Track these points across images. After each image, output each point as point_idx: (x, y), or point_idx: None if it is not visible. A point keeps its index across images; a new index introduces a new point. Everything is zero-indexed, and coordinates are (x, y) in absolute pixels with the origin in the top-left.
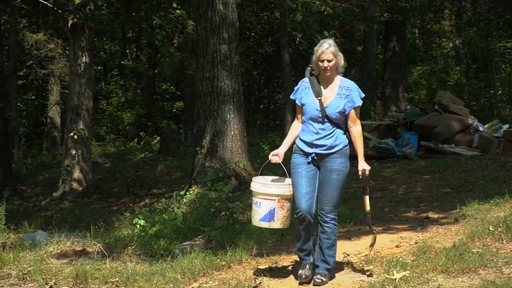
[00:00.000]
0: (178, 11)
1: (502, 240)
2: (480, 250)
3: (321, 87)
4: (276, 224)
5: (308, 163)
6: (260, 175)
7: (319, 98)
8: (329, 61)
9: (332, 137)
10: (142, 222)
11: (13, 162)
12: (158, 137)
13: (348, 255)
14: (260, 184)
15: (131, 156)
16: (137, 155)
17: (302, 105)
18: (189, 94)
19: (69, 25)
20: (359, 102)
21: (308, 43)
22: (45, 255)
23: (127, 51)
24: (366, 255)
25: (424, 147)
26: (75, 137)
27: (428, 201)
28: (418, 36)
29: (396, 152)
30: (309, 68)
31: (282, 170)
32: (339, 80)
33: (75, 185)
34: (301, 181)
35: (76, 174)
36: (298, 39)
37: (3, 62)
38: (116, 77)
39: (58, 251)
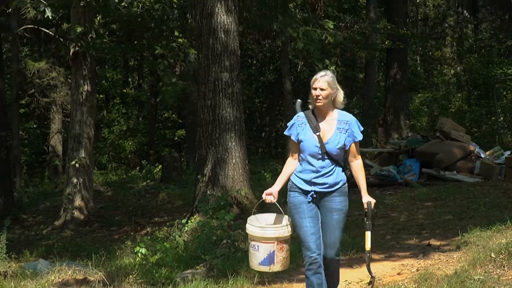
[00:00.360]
0: (180, 39)
1: (504, 267)
2: (481, 277)
3: (318, 121)
4: (276, 266)
5: (309, 202)
6: (253, 214)
7: (317, 133)
8: (322, 89)
9: (332, 174)
10: (143, 250)
11: (15, 191)
12: (160, 165)
13: (350, 283)
14: (258, 227)
15: (133, 185)
16: (139, 184)
17: (299, 141)
18: (191, 122)
19: (70, 54)
20: (360, 136)
21: (309, 71)
22: (46, 284)
23: (129, 79)
24: (368, 282)
25: (425, 174)
26: (77, 165)
27: (430, 228)
28: (420, 63)
29: (398, 179)
30: (299, 101)
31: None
32: (336, 113)
33: (76, 213)
34: (305, 222)
35: (78, 202)
36: (299, 67)
37: (5, 90)
38: (118, 105)
39: (60, 280)
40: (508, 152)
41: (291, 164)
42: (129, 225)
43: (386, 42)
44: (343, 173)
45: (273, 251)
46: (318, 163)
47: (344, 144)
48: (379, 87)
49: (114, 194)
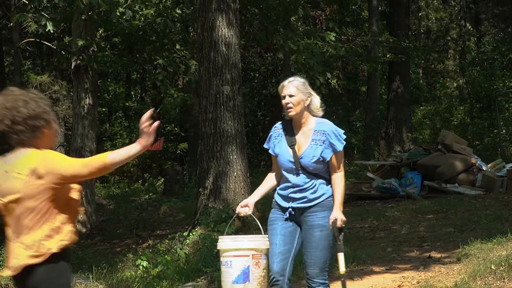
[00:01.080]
0: (181, 52)
1: (504, 278)
2: None
3: (295, 133)
4: (253, 285)
5: (286, 219)
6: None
7: (292, 147)
8: (291, 96)
9: (311, 188)
10: (145, 263)
11: None
12: (162, 179)
13: None
14: (229, 239)
15: (135, 198)
16: (141, 197)
17: (276, 155)
18: (193, 135)
19: (72, 67)
20: (340, 147)
21: (310, 84)
22: None
23: (132, 92)
24: None
25: (427, 186)
26: None
27: (431, 241)
28: (422, 76)
29: (400, 192)
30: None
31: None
32: (314, 122)
33: (78, 226)
34: (274, 239)
35: (80, 215)
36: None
37: None
38: (121, 118)
39: None
40: (510, 165)
41: (271, 178)
42: (131, 238)
43: (388, 55)
44: (328, 186)
45: (248, 266)
46: (294, 179)
47: (322, 157)
48: (381, 100)
49: (116, 207)
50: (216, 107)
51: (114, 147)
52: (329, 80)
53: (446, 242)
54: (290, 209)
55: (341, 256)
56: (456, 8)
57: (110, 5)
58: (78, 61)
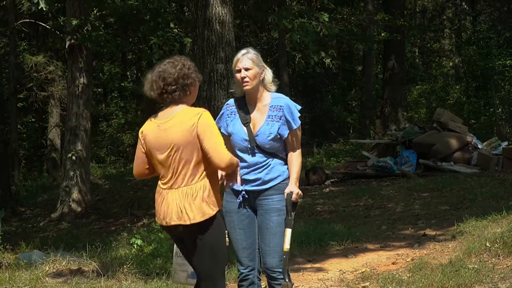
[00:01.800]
0: (175, 30)
1: (499, 256)
2: (476, 266)
3: (249, 109)
4: None
5: (239, 206)
6: None
7: (247, 124)
8: (246, 69)
9: (266, 168)
10: (139, 241)
11: (13, 184)
12: None
13: (344, 272)
14: None
15: (131, 178)
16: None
17: (229, 134)
18: None
19: (66, 47)
20: (296, 124)
21: (304, 63)
22: (40, 274)
23: (128, 73)
24: (363, 272)
25: (422, 165)
26: (73, 158)
27: (426, 219)
28: (418, 55)
29: (395, 170)
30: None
31: None
32: (269, 98)
33: (73, 206)
34: (235, 235)
35: (75, 195)
36: (297, 59)
37: (3, 84)
38: (116, 99)
39: (54, 270)
40: (506, 143)
41: None
42: (126, 217)
43: (383, 34)
44: (285, 166)
45: None
46: (249, 159)
47: (279, 134)
48: (377, 79)
49: (111, 187)
50: (210, 86)
51: (109, 127)
52: (323, 59)
53: (441, 220)
54: (243, 192)
55: (288, 232)
56: None
57: None
58: (73, 41)
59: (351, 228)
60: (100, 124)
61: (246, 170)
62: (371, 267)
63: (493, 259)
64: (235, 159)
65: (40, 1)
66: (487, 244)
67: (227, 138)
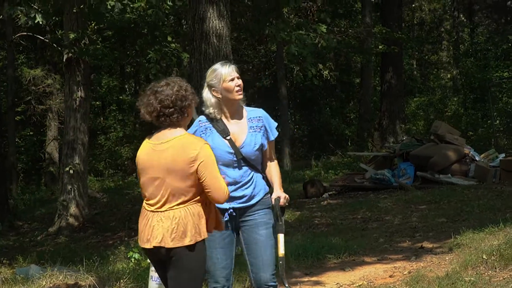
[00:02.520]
0: (172, 44)
1: (495, 268)
2: (472, 279)
3: (225, 123)
4: None
5: (224, 225)
6: None
7: (228, 138)
8: (238, 78)
9: (251, 184)
10: (136, 255)
11: (11, 198)
12: None
13: (341, 285)
14: None
15: (129, 191)
16: (135, 190)
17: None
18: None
19: (64, 60)
20: (275, 134)
21: (302, 75)
22: None
23: (126, 86)
24: (360, 285)
25: (420, 177)
26: (71, 171)
27: (424, 231)
28: (416, 68)
29: (393, 183)
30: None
31: None
32: (244, 110)
33: (71, 220)
34: (215, 253)
35: (72, 209)
36: (295, 72)
37: (1, 98)
38: (115, 112)
39: (51, 285)
40: (503, 155)
41: None
42: (124, 231)
43: (380, 47)
44: (263, 181)
45: None
46: (235, 173)
47: (262, 145)
48: (375, 91)
49: (109, 200)
50: None
51: (108, 140)
52: (321, 72)
53: (438, 232)
54: (230, 210)
55: (281, 237)
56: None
57: None
58: (70, 54)
59: (349, 241)
60: (98, 137)
61: (232, 187)
62: (368, 280)
63: (490, 272)
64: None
65: (36, 16)
66: (484, 257)
67: None
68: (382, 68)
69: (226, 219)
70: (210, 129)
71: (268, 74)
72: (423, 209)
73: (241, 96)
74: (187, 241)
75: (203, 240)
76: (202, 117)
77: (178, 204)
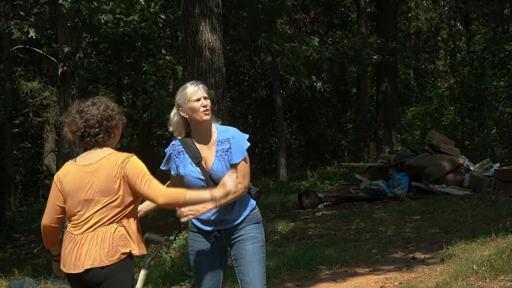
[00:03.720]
0: (167, 57)
1: (486, 279)
2: None
3: (198, 147)
4: None
5: (211, 247)
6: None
7: (199, 163)
8: (205, 98)
9: (233, 206)
10: None
11: (8, 210)
12: None
13: None
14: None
15: None
16: None
17: (181, 176)
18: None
19: (59, 73)
20: (240, 156)
21: (296, 86)
22: None
23: (124, 97)
24: None
25: (415, 187)
26: None
27: (416, 242)
28: (413, 77)
29: (387, 193)
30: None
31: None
32: (215, 131)
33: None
34: (202, 274)
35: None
36: (291, 83)
37: None
38: None
39: None
40: (498, 165)
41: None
42: None
43: (375, 57)
44: (247, 197)
45: None
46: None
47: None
48: (372, 101)
49: None
50: None
51: None
52: (314, 83)
53: (431, 243)
54: (215, 233)
55: (142, 274)
56: (446, 8)
57: (91, 10)
58: (65, 68)
59: (341, 252)
60: None
61: (212, 211)
62: None
63: (480, 282)
64: (180, 194)
65: (30, 30)
66: (474, 267)
67: (179, 179)
68: (377, 78)
69: (211, 240)
70: (182, 153)
71: (264, 85)
72: (417, 220)
73: (207, 117)
74: (115, 259)
75: (133, 256)
76: (175, 141)
77: (110, 223)
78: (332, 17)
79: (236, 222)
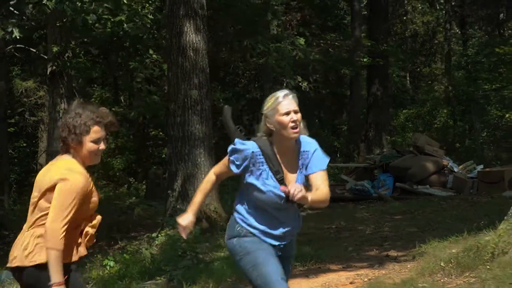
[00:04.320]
0: (154, 55)
1: (452, 275)
2: (426, 285)
3: (279, 159)
4: None
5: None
6: None
7: (280, 178)
8: (296, 112)
9: (298, 218)
10: (112, 263)
11: (1, 209)
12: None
13: None
14: None
15: (118, 202)
16: (125, 201)
17: (248, 184)
18: None
19: (48, 73)
20: (317, 167)
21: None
22: None
23: (121, 97)
24: None
25: (399, 188)
26: None
27: (393, 240)
28: (410, 79)
29: (372, 193)
30: (227, 107)
31: None
32: (299, 142)
33: None
34: (270, 264)
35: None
36: (285, 84)
37: None
38: None
39: None
40: (481, 166)
41: (212, 182)
42: (105, 240)
43: (365, 59)
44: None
45: None
46: (282, 215)
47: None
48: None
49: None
50: (184, 111)
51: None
52: (300, 84)
53: (407, 241)
54: (281, 246)
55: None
56: (443, 12)
57: (75, 11)
58: (54, 67)
59: (318, 249)
60: None
61: (282, 226)
62: (329, 287)
63: (446, 279)
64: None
65: (14, 30)
66: (442, 264)
67: (229, 173)
68: (368, 81)
69: (279, 254)
70: (262, 165)
71: (258, 86)
72: (397, 219)
73: (295, 136)
74: (27, 262)
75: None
76: (254, 145)
77: (36, 225)
78: (326, 20)
79: (294, 236)
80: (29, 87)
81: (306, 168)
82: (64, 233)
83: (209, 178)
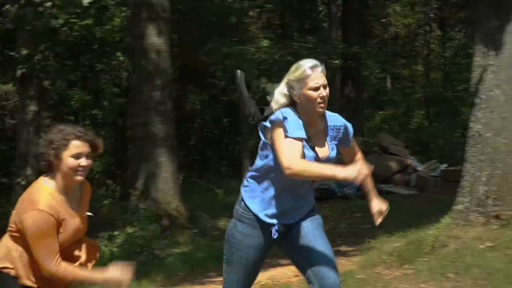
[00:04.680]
0: (121, 58)
1: (392, 267)
2: (363, 276)
3: (308, 129)
4: None
5: (266, 244)
6: None
7: (313, 147)
8: (325, 87)
9: (310, 196)
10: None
11: None
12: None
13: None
14: None
15: (95, 204)
16: (101, 202)
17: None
18: None
19: (18, 75)
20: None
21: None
22: None
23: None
24: (263, 284)
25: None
26: (23, 183)
27: (346, 236)
28: (390, 81)
29: (337, 192)
30: (240, 71)
31: None
32: (324, 116)
33: None
34: (247, 270)
35: None
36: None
37: None
38: (88, 126)
39: None
40: (445, 165)
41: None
42: None
43: (336, 62)
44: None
45: None
46: (301, 190)
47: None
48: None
49: None
50: (147, 112)
51: None
52: (263, 86)
53: (360, 237)
54: (277, 226)
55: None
56: (423, 15)
57: (35, 15)
58: (23, 70)
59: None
60: None
61: (294, 203)
62: (274, 280)
63: (386, 271)
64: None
65: None
66: (384, 257)
67: (301, 147)
68: (341, 82)
69: (274, 236)
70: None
71: (235, 89)
72: (356, 217)
73: (323, 111)
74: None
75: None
76: (288, 110)
77: (11, 236)
78: (304, 22)
79: (303, 215)
80: (9, 90)
81: (340, 141)
82: (59, 266)
83: (305, 161)
